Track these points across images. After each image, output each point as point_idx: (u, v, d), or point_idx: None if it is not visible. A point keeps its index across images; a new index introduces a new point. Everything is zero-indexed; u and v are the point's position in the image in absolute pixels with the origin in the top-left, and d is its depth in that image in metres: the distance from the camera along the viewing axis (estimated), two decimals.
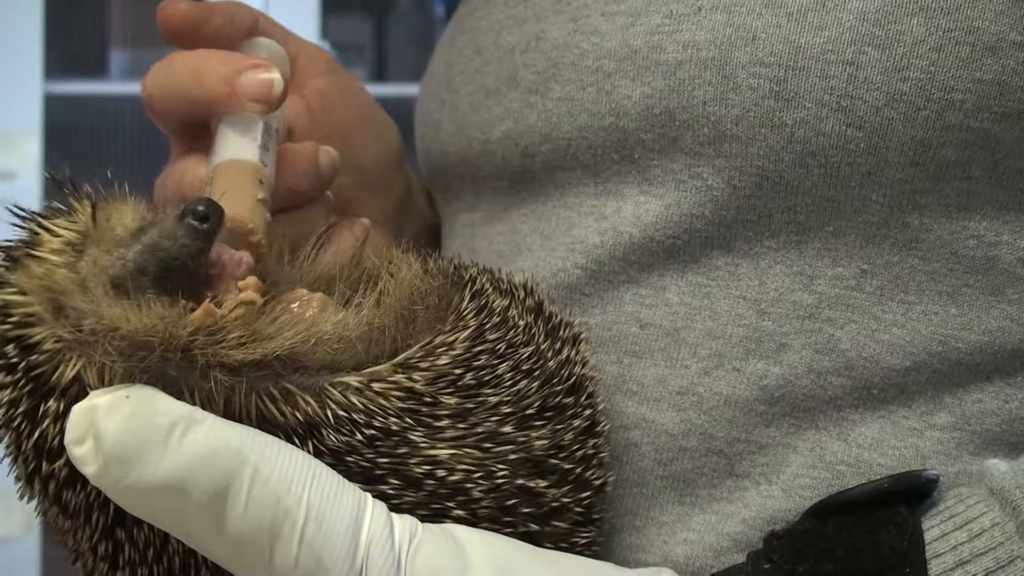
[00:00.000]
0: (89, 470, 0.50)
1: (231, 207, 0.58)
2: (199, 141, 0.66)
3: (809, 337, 0.64)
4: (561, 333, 0.63)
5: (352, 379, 0.55)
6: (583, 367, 0.63)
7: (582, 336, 0.64)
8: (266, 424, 0.53)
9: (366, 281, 0.63)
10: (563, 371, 0.61)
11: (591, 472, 0.61)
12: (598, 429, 0.62)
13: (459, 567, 0.52)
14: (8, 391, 0.54)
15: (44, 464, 0.55)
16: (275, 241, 0.63)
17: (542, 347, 0.61)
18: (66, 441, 0.51)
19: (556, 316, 0.64)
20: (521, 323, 0.62)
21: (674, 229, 0.66)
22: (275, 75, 0.63)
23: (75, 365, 0.53)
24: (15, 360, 0.54)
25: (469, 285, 0.62)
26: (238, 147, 0.63)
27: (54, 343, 0.53)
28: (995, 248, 0.63)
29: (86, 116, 2.99)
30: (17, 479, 0.56)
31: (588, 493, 0.60)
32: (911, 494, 0.59)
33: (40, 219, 0.56)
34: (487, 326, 0.60)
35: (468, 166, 0.77)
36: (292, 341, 0.55)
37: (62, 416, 0.52)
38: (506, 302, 0.62)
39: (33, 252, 0.55)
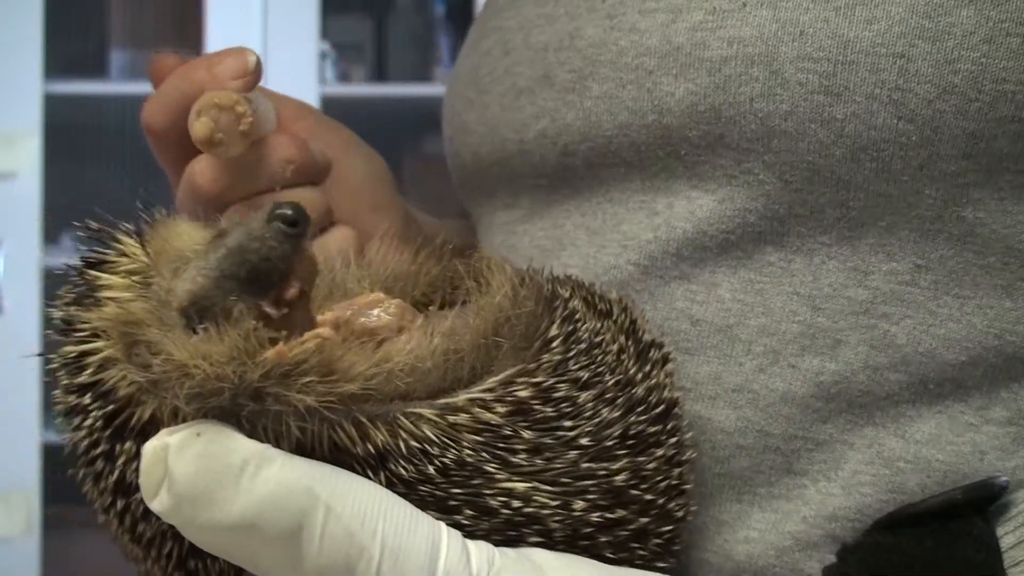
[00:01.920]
0: (162, 509, 0.50)
1: (216, 95, 0.63)
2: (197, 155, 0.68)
3: (864, 333, 0.64)
4: (651, 354, 0.62)
5: (426, 410, 0.54)
6: (671, 390, 0.61)
7: (671, 356, 0.63)
8: (338, 452, 0.53)
9: (448, 287, 0.62)
10: (651, 397, 0.60)
11: (673, 503, 0.59)
12: (683, 458, 0.60)
13: None
14: (86, 435, 0.55)
15: (119, 500, 0.55)
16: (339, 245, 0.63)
17: (631, 372, 0.60)
18: (140, 481, 0.51)
19: (647, 335, 0.63)
20: (613, 346, 0.60)
21: (727, 224, 0.65)
22: (248, 55, 0.68)
23: (150, 406, 0.52)
24: (92, 406, 0.54)
25: (561, 307, 0.61)
26: None
27: (128, 387, 0.53)
28: None
29: (86, 116, 2.98)
30: (96, 509, 0.57)
31: (670, 526, 0.59)
32: (983, 503, 0.59)
33: (95, 260, 0.56)
34: (572, 354, 0.58)
35: (503, 166, 0.77)
36: (365, 383, 0.53)
37: (138, 456, 0.52)
38: (598, 324, 0.61)
39: (101, 291, 0.55)
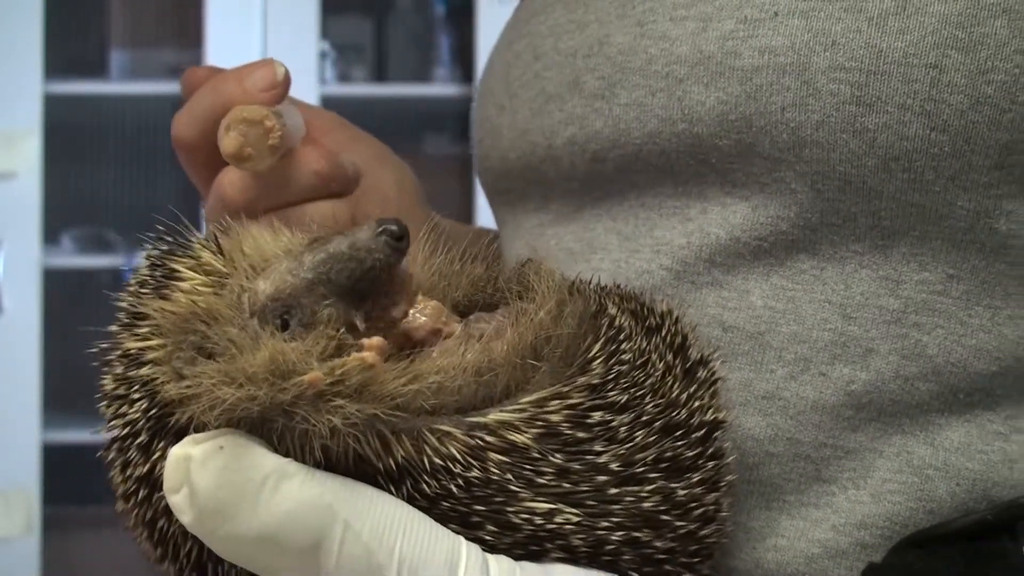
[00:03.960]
0: (185, 519, 0.51)
1: (245, 109, 0.64)
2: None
3: (896, 342, 0.64)
4: (699, 374, 0.61)
5: (453, 428, 0.54)
6: (716, 412, 0.60)
7: (718, 376, 0.62)
8: (362, 464, 0.53)
9: (491, 289, 0.62)
10: (693, 420, 0.59)
11: (707, 530, 0.59)
12: (721, 484, 0.59)
13: None
14: (127, 424, 0.56)
15: (143, 490, 0.56)
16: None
17: (674, 395, 0.59)
18: (164, 488, 0.52)
19: (696, 352, 0.62)
20: (660, 365, 0.59)
21: (760, 231, 0.65)
22: (277, 67, 0.68)
23: (189, 412, 0.53)
24: (139, 399, 0.55)
25: (607, 325, 0.60)
26: None
27: (174, 391, 0.53)
28: None
29: (86, 116, 2.98)
30: (117, 498, 0.57)
31: (699, 547, 0.58)
32: (1014, 523, 0.59)
33: (170, 255, 0.57)
34: (612, 376, 0.57)
35: (533, 171, 0.77)
36: (392, 404, 0.53)
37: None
38: (645, 343, 0.60)
39: (174, 285, 0.55)
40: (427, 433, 0.53)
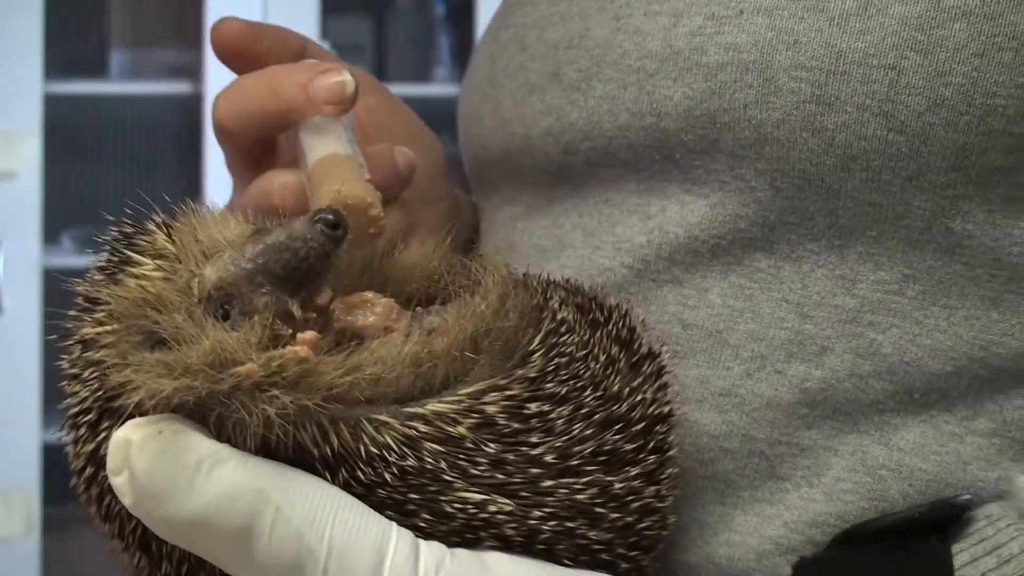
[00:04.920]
0: (126, 501, 0.53)
1: (347, 189, 0.59)
2: (269, 160, 0.68)
3: (851, 341, 0.64)
4: (645, 368, 0.62)
5: (390, 418, 0.55)
6: (660, 406, 0.61)
7: (666, 369, 0.63)
8: (301, 451, 0.54)
9: (450, 282, 0.62)
10: (634, 414, 0.59)
11: (646, 522, 0.59)
12: (662, 476, 0.60)
13: None
14: (79, 403, 0.57)
15: (89, 468, 0.58)
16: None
17: (616, 388, 0.59)
18: (107, 470, 0.53)
19: (644, 347, 0.63)
20: (602, 358, 0.60)
21: (718, 229, 0.66)
22: (346, 76, 0.64)
23: (137, 396, 0.54)
24: (91, 380, 0.56)
25: (548, 319, 0.60)
26: (328, 146, 0.64)
27: (118, 377, 0.54)
28: None
29: (86, 116, 2.99)
30: (72, 472, 0.59)
31: (636, 539, 0.59)
32: (943, 522, 0.59)
33: (124, 242, 0.58)
34: (551, 369, 0.58)
35: (509, 160, 0.77)
36: (327, 395, 0.54)
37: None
38: (588, 336, 0.60)
39: (130, 267, 0.56)
40: (364, 423, 0.54)
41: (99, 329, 0.56)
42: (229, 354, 0.53)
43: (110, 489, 0.55)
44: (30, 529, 2.72)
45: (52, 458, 2.71)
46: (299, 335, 0.55)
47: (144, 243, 0.57)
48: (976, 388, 0.64)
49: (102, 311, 0.56)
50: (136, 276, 0.56)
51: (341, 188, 0.59)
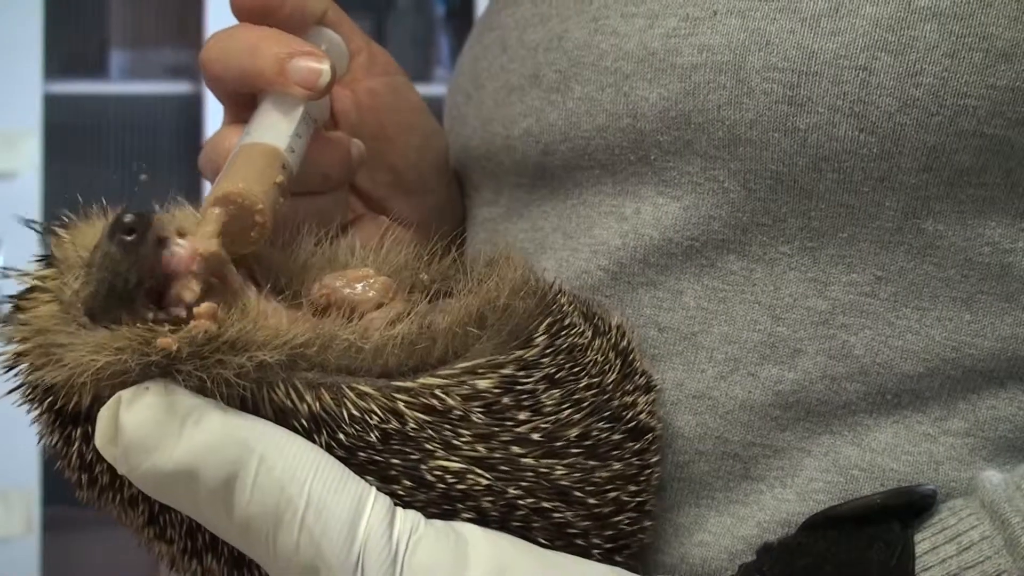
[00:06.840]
0: (112, 458, 0.54)
1: (246, 183, 0.59)
2: (247, 111, 0.67)
3: (823, 343, 0.64)
4: (637, 379, 0.63)
5: (373, 390, 0.56)
6: (650, 417, 0.62)
7: (656, 387, 0.64)
8: (283, 415, 0.55)
9: (459, 280, 0.63)
10: (625, 413, 0.61)
11: (621, 516, 0.60)
12: (642, 478, 0.61)
13: (457, 565, 0.54)
14: (46, 430, 0.59)
15: (84, 475, 0.59)
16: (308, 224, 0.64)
17: (608, 384, 0.61)
18: (95, 439, 0.54)
19: (638, 363, 0.64)
20: (600, 358, 0.61)
21: (692, 231, 0.66)
22: (325, 66, 0.64)
23: (88, 393, 0.55)
24: (42, 407, 0.58)
25: (556, 312, 0.62)
26: (271, 129, 0.64)
27: (56, 379, 0.56)
28: (1010, 255, 0.63)
29: (86, 116, 2.99)
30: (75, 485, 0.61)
31: (611, 532, 0.60)
32: (905, 510, 0.60)
33: (38, 260, 0.60)
34: (549, 354, 0.59)
35: (490, 161, 0.77)
36: (290, 351, 0.55)
37: (85, 437, 0.57)
38: (588, 337, 0.62)
39: (28, 296, 0.58)
40: (346, 388, 0.56)
41: (19, 348, 0.57)
42: (145, 336, 0.54)
43: (112, 479, 0.57)
44: (30, 529, 2.72)
45: (52, 458, 2.71)
46: (195, 310, 0.55)
47: (53, 254, 0.59)
48: (949, 388, 0.64)
49: (15, 342, 0.58)
50: (24, 306, 0.58)
51: (240, 183, 0.59)
